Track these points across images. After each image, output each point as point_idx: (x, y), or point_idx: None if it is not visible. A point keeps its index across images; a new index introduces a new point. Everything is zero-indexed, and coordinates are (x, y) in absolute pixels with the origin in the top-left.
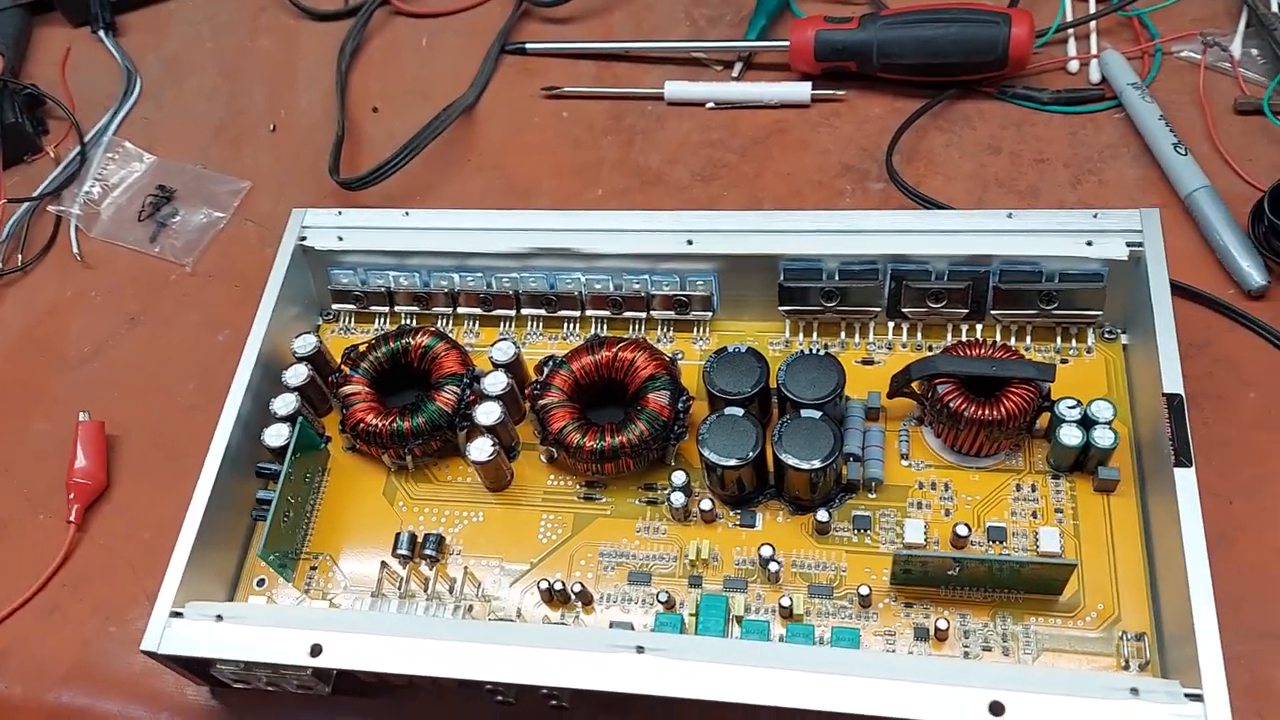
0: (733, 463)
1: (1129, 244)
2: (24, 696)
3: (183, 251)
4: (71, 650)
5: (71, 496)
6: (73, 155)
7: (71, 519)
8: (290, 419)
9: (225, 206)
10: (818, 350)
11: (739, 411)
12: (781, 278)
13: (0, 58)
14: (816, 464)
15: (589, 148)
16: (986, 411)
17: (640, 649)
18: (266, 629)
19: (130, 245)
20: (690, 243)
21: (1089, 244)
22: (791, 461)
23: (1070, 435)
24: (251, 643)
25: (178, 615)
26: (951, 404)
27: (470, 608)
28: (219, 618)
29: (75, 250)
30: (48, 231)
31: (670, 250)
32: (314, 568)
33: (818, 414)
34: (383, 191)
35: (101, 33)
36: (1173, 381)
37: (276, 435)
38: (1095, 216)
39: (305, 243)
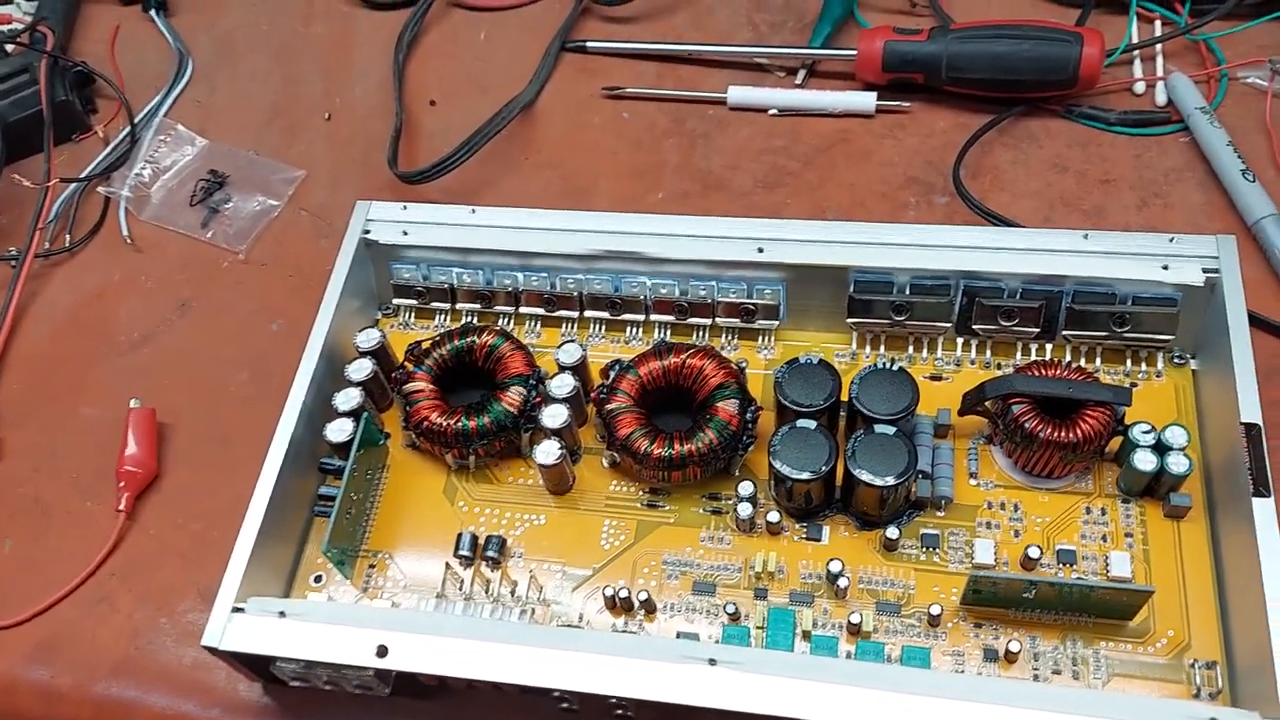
0: (805, 476)
1: (1205, 270)
2: (72, 686)
3: (235, 238)
4: (120, 641)
5: (121, 485)
6: (122, 136)
7: (121, 508)
8: (354, 414)
9: (279, 194)
10: (890, 365)
11: (811, 424)
12: (852, 289)
13: (50, 34)
14: (891, 480)
15: (649, 150)
16: (1062, 433)
17: (713, 661)
18: (330, 627)
19: (181, 230)
20: (761, 250)
21: (1165, 268)
22: (865, 477)
23: (1145, 461)
24: (315, 641)
25: (239, 611)
26: (1027, 424)
27: (533, 612)
28: (281, 614)
29: (125, 233)
30: (96, 212)
31: (739, 257)
32: (372, 565)
33: (891, 430)
34: (440, 186)
35: (152, 11)
36: (1251, 411)
37: (340, 430)
38: (1171, 241)
39: (369, 236)
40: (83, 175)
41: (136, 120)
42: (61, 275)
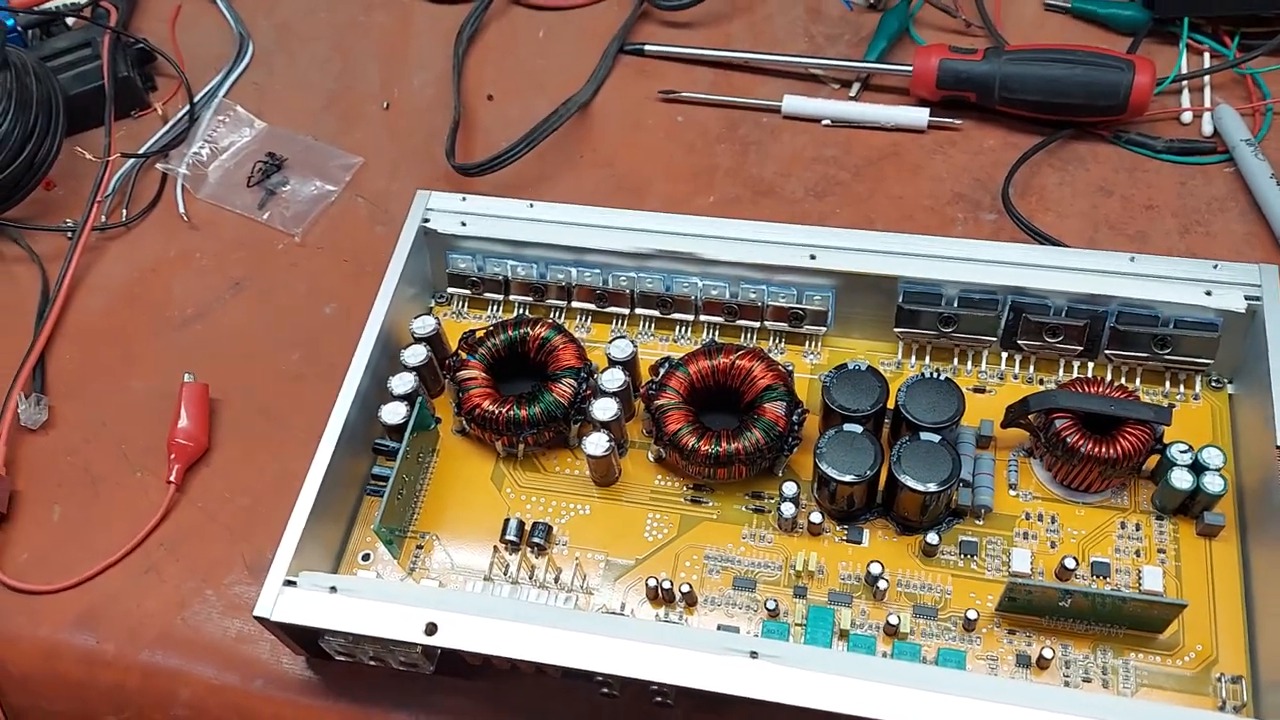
0: (850, 478)
1: (1247, 297)
2: (116, 654)
3: (292, 221)
4: (166, 611)
5: (172, 457)
6: (181, 114)
7: (171, 479)
8: (408, 398)
9: (337, 180)
10: (938, 375)
11: (858, 428)
12: (900, 299)
13: (113, 9)
14: (933, 487)
15: (703, 153)
16: (1102, 449)
17: (754, 654)
18: (380, 604)
19: (237, 210)
20: (813, 257)
21: (1208, 294)
22: (909, 483)
23: (1181, 479)
24: (365, 616)
25: (291, 584)
26: (1068, 439)
27: (576, 599)
28: (332, 589)
29: (181, 210)
30: (153, 189)
31: (791, 263)
32: (420, 547)
33: (937, 438)
34: (495, 180)
35: None
36: None
37: (394, 413)
38: (1215, 268)
39: (428, 225)
40: (142, 151)
41: (196, 99)
42: (117, 249)
